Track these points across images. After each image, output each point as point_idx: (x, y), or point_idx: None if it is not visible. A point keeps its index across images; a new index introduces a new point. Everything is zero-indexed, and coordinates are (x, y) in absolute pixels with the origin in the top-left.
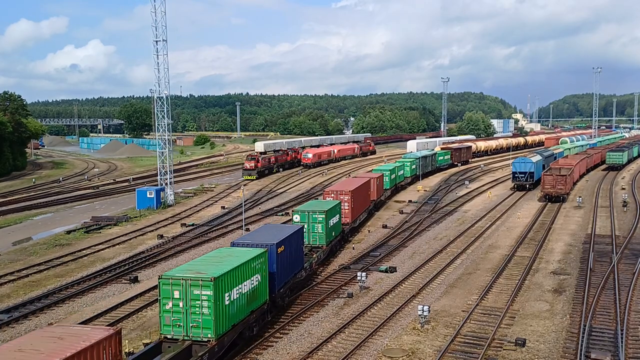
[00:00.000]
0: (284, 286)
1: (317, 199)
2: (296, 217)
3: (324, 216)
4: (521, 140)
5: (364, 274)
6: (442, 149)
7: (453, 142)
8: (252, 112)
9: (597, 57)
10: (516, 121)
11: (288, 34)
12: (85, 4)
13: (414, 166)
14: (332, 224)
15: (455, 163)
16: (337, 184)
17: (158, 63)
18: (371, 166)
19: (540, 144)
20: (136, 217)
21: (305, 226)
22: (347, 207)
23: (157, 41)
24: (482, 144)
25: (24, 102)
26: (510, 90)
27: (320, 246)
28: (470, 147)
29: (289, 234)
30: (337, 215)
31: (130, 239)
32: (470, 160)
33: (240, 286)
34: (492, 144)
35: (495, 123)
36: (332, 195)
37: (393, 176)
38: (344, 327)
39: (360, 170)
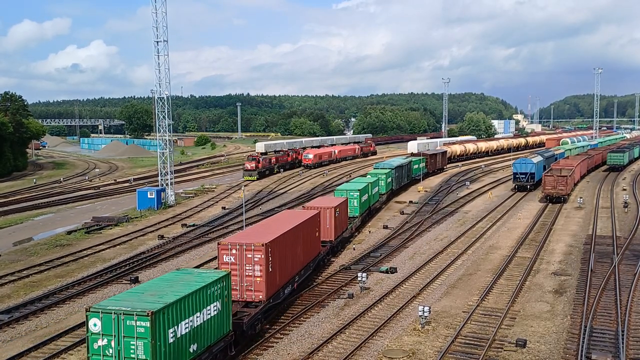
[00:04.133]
0: None
1: (188, 268)
2: (94, 325)
3: (148, 324)
4: (522, 141)
5: (364, 274)
6: (415, 155)
7: (454, 143)
8: (252, 113)
9: (598, 57)
10: (517, 122)
11: (289, 35)
12: (88, 5)
13: (389, 179)
14: (183, 333)
15: (430, 171)
16: (246, 230)
17: (159, 64)
18: (372, 167)
19: (541, 144)
20: (137, 217)
21: (113, 344)
22: (258, 274)
23: (158, 42)
24: (482, 145)
25: (25, 103)
26: (511, 91)
27: None
28: (445, 152)
29: None
30: (216, 304)
31: (130, 240)
32: (445, 167)
33: None
34: (493, 144)
35: (496, 124)
36: (233, 252)
37: (365, 197)
38: (344, 327)
39: (360, 170)
